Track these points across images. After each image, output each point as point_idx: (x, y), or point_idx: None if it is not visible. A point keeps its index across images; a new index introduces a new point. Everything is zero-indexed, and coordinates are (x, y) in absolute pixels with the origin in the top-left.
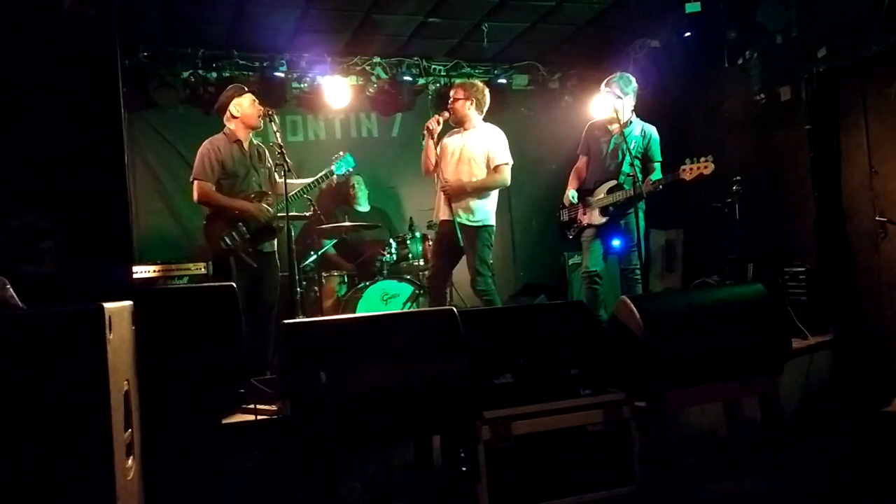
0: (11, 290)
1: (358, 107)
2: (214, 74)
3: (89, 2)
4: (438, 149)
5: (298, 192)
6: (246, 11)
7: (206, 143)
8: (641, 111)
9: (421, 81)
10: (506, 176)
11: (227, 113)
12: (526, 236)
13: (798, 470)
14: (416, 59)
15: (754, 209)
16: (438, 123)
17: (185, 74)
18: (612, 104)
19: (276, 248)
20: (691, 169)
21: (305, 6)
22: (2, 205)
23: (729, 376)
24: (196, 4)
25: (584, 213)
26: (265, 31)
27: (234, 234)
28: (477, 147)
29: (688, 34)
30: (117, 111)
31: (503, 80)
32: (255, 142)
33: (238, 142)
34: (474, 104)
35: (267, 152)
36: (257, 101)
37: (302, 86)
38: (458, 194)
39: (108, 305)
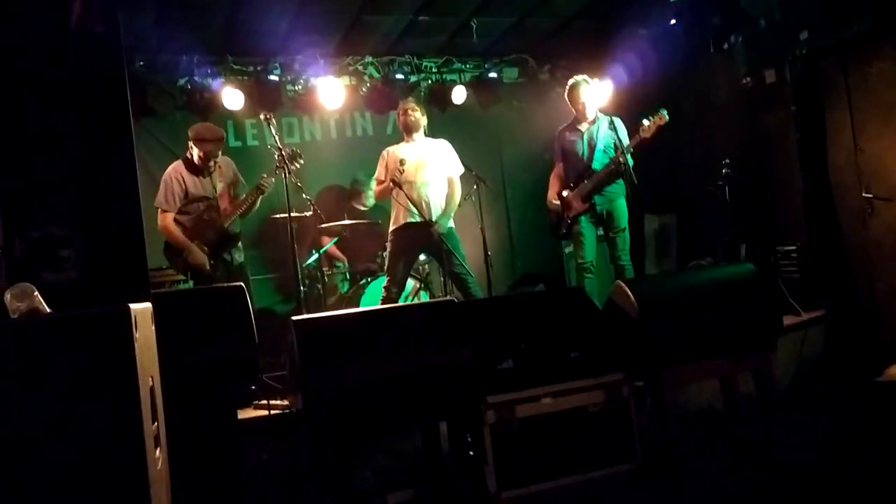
0: (39, 296)
1: (352, 106)
2: (210, 80)
3: (96, 20)
4: (387, 161)
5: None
6: (239, 17)
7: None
8: (632, 99)
9: (413, 79)
10: (460, 186)
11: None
12: (522, 227)
13: (792, 442)
14: (407, 56)
15: (745, 191)
16: (401, 173)
17: (182, 82)
18: (580, 106)
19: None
20: (649, 127)
21: (297, 10)
22: (24, 217)
23: (722, 353)
24: (189, 12)
25: (571, 208)
26: (258, 35)
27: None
28: (438, 158)
29: (673, 21)
30: (127, 122)
31: (494, 74)
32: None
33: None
34: (425, 116)
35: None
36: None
37: (296, 88)
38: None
39: (133, 306)
